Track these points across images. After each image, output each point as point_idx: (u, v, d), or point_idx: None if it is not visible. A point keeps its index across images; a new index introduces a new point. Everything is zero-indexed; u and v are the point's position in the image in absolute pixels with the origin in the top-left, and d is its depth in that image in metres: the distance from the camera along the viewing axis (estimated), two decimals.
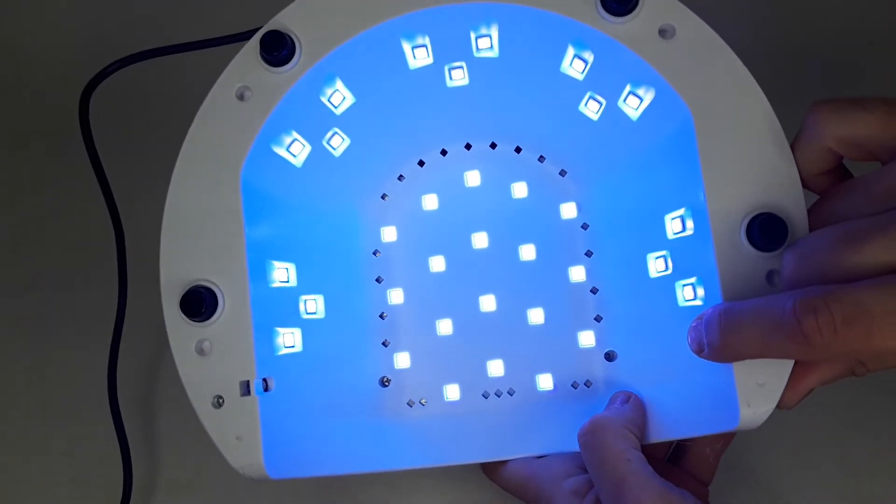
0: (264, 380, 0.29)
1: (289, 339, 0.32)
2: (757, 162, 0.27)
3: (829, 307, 0.21)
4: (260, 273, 0.30)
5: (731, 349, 0.25)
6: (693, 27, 0.28)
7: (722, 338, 0.25)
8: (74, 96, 0.36)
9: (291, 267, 0.33)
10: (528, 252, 0.37)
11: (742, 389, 0.26)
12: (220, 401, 0.28)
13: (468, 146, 0.38)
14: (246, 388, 0.28)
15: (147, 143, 0.44)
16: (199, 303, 0.28)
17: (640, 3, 0.28)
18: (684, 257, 0.31)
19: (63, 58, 0.48)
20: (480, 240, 0.37)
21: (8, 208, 0.47)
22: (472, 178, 0.37)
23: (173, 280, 0.29)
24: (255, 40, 0.29)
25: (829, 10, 0.43)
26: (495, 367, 0.36)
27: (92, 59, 0.47)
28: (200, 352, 0.29)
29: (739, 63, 0.28)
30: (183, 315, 0.28)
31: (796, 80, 0.42)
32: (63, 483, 0.41)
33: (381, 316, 0.37)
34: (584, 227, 0.37)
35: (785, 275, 0.25)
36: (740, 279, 0.27)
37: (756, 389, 0.26)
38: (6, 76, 0.49)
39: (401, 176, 0.38)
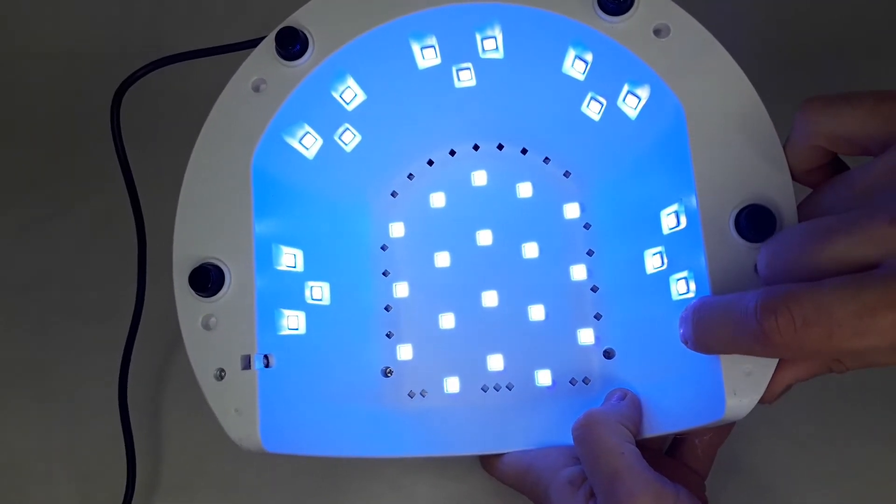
0: (265, 356, 0.30)
1: (293, 322, 0.33)
2: (746, 155, 0.28)
3: (789, 308, 0.21)
4: (267, 255, 0.32)
5: (703, 344, 0.25)
6: (686, 26, 0.29)
7: (694, 333, 0.26)
8: (84, 97, 0.37)
9: (299, 253, 0.34)
10: (531, 250, 0.37)
11: (728, 378, 0.26)
12: (222, 373, 0.30)
13: (476, 147, 0.39)
14: (247, 362, 0.29)
15: (164, 143, 0.43)
16: (206, 278, 0.30)
17: (636, 3, 0.29)
18: (678, 252, 0.31)
19: (69, 62, 0.50)
20: (485, 237, 0.38)
21: (21, 205, 0.48)
22: (479, 178, 0.38)
23: (185, 257, 0.31)
24: (272, 36, 0.31)
25: (822, 9, 0.44)
26: (495, 362, 0.37)
27: (97, 64, 0.49)
28: (206, 326, 0.30)
29: (731, 60, 0.29)
30: (191, 290, 0.30)
31: (789, 77, 0.42)
32: (65, 481, 0.41)
33: (386, 308, 0.38)
34: (587, 226, 0.37)
35: (760, 271, 0.25)
36: (729, 270, 0.27)
37: (742, 378, 0.26)
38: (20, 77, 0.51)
39: (410, 174, 0.39)
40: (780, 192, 0.27)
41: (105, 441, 0.41)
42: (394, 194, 0.39)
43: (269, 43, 0.32)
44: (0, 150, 0.50)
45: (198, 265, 0.30)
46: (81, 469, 0.42)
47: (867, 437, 0.36)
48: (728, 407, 0.26)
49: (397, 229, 0.39)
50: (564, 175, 0.38)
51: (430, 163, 0.39)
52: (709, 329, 0.25)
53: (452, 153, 0.39)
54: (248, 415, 0.29)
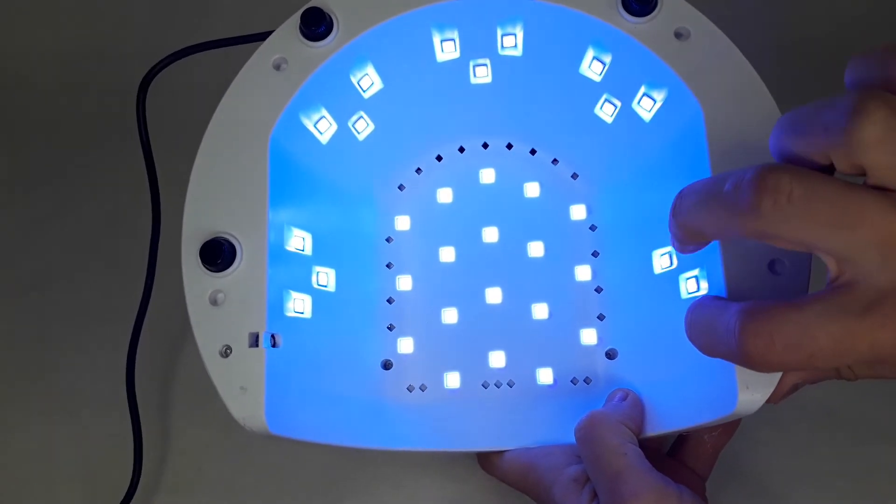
0: (273, 335, 0.30)
1: (299, 305, 0.32)
2: (762, 157, 0.29)
3: (769, 332, 0.21)
4: (279, 235, 0.31)
5: (698, 348, 0.25)
6: (706, 31, 0.30)
7: (690, 336, 0.25)
8: (85, 98, 0.35)
9: (308, 237, 0.34)
10: (536, 249, 0.38)
11: (741, 371, 0.27)
12: (228, 350, 0.29)
13: (485, 145, 0.39)
14: (255, 340, 0.29)
15: (177, 136, 0.41)
16: (218, 252, 0.29)
17: (659, 5, 0.30)
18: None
19: (73, 60, 0.50)
20: (491, 234, 0.38)
21: (22, 205, 0.47)
22: (487, 176, 0.39)
23: (196, 230, 0.30)
24: (297, 16, 0.31)
25: (838, 15, 0.45)
26: (497, 359, 0.37)
27: (97, 64, 0.48)
28: (214, 302, 0.29)
29: (748, 65, 0.29)
30: (201, 263, 0.29)
31: (804, 82, 0.43)
32: (67, 481, 0.41)
33: (388, 300, 0.38)
34: (593, 228, 0.38)
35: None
36: (743, 268, 0.28)
37: (755, 372, 0.27)
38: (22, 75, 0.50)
39: (419, 168, 0.39)
40: None
41: (105, 440, 0.41)
42: (401, 187, 0.39)
43: (293, 22, 0.31)
44: (1, 149, 0.49)
45: (210, 239, 0.29)
46: (82, 468, 0.41)
47: (867, 437, 0.37)
48: (740, 401, 0.27)
49: (403, 222, 0.39)
50: (572, 177, 0.38)
51: (439, 158, 0.39)
52: (696, 337, 0.25)
53: (461, 150, 0.39)
54: (253, 393, 0.28)
